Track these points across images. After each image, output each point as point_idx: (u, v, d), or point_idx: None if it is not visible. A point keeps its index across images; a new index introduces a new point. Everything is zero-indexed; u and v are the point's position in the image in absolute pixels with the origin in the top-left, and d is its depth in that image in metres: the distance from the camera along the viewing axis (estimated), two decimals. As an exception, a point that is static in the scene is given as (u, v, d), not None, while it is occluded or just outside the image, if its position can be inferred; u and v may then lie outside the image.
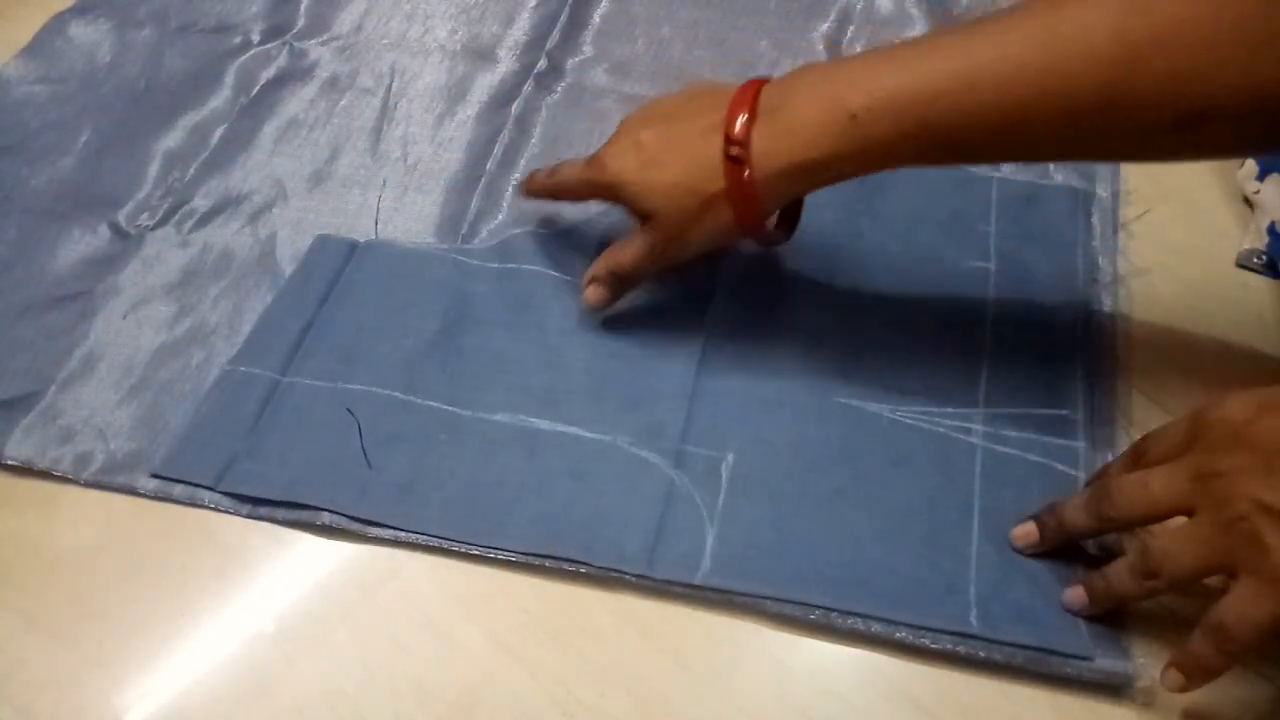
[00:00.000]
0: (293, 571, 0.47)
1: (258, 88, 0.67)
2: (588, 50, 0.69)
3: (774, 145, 0.45)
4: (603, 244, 0.53)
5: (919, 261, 0.55)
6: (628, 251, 0.50)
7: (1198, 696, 0.40)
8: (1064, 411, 0.49)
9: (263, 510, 0.48)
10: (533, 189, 0.56)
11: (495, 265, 0.57)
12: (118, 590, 0.47)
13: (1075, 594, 0.43)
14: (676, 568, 0.45)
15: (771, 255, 0.56)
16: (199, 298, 0.57)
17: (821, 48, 0.68)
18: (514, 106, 0.65)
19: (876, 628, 0.43)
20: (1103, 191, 0.58)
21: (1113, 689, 0.42)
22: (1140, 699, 0.42)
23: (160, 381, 0.53)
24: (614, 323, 0.54)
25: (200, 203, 0.61)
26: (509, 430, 0.50)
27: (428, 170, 0.63)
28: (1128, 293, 0.54)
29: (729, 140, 0.45)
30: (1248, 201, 0.58)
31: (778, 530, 0.46)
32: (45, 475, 0.50)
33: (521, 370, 0.52)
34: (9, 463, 0.51)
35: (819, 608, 0.44)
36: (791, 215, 0.53)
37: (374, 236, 0.59)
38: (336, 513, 0.48)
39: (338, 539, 0.48)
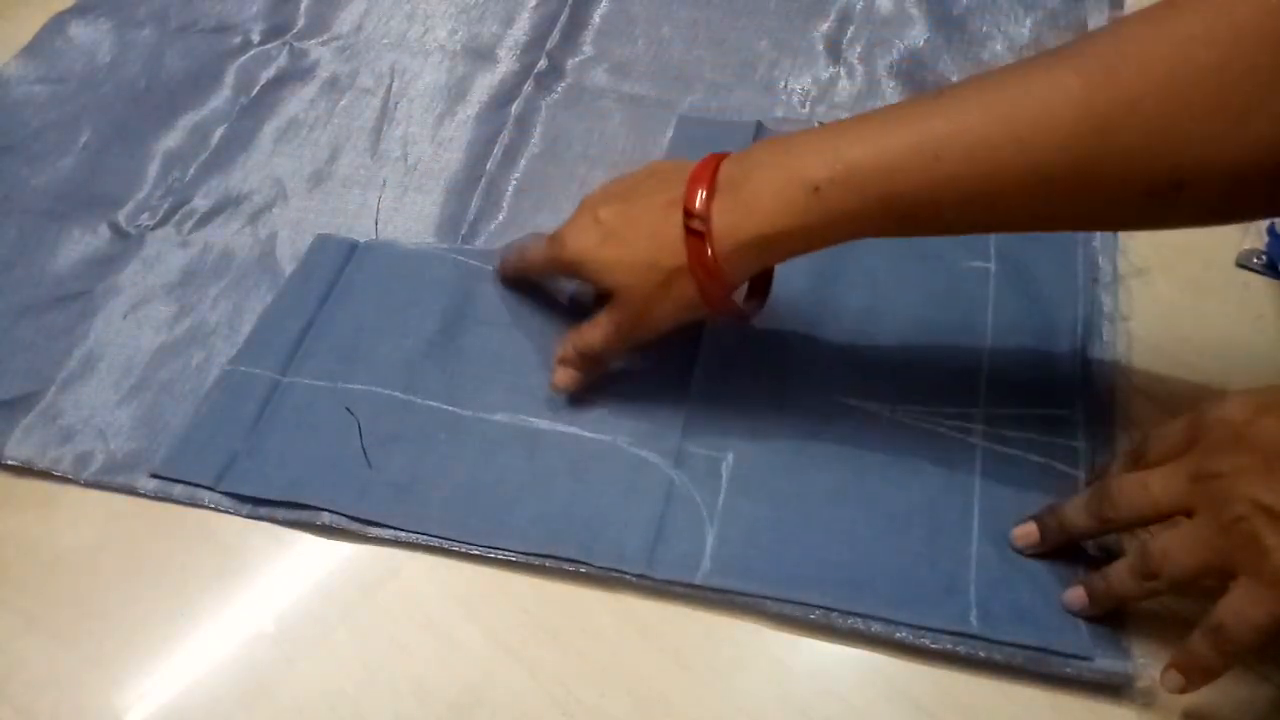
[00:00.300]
0: (293, 571, 0.47)
1: (258, 88, 0.68)
2: (588, 50, 0.69)
3: (735, 219, 0.43)
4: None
5: (919, 261, 0.55)
6: (595, 332, 0.49)
7: (1198, 697, 0.40)
8: (1064, 411, 0.49)
9: (263, 510, 0.49)
10: (504, 273, 0.56)
11: (495, 265, 0.57)
12: (118, 590, 0.47)
13: (1075, 594, 0.43)
14: (676, 567, 0.45)
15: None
16: (199, 298, 0.57)
17: (821, 48, 0.67)
18: (514, 106, 0.65)
19: (876, 628, 0.43)
20: (1103, 192, 0.58)
21: (1112, 689, 0.42)
22: (1140, 699, 0.42)
23: (160, 381, 0.53)
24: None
25: (200, 203, 0.61)
26: (509, 430, 0.50)
27: (428, 170, 0.63)
28: (1128, 292, 0.54)
29: (689, 214, 0.44)
30: (1248, 201, 0.58)
31: (778, 530, 0.46)
32: (45, 475, 0.50)
33: (521, 370, 0.52)
34: (9, 463, 0.51)
35: (819, 608, 0.44)
36: (762, 286, 0.51)
37: (374, 236, 0.59)
38: (336, 513, 0.48)
39: (338, 539, 0.48)
